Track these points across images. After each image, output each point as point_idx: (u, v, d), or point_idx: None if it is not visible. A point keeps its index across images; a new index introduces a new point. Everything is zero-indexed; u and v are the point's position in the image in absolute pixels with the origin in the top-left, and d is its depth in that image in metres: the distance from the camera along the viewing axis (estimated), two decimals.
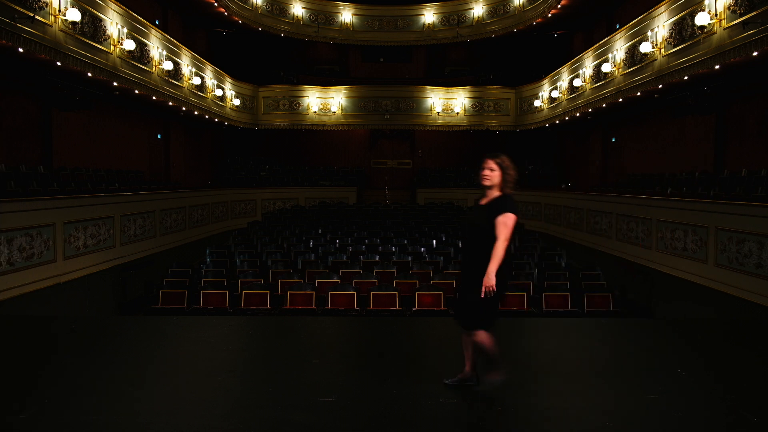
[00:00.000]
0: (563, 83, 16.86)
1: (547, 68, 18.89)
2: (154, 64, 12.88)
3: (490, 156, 3.71)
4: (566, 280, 9.36)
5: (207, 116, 16.58)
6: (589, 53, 15.08)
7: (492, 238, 3.56)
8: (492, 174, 3.66)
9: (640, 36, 12.06)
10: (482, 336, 3.63)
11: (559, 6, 16.77)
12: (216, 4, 17.00)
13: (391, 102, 20.68)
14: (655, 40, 11.29)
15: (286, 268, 10.24)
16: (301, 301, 7.87)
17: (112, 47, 10.94)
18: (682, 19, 10.42)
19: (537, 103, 19.01)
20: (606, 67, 13.56)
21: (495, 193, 3.70)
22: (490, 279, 3.48)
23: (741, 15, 8.64)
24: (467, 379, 3.78)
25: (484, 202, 3.73)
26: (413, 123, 21.00)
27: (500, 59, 22.52)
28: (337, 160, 22.84)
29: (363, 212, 16.92)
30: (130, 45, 11.43)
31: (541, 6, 17.77)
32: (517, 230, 16.37)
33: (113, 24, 11.00)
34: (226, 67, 18.76)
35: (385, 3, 21.26)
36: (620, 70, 13.07)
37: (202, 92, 16.06)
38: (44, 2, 8.83)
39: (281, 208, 18.63)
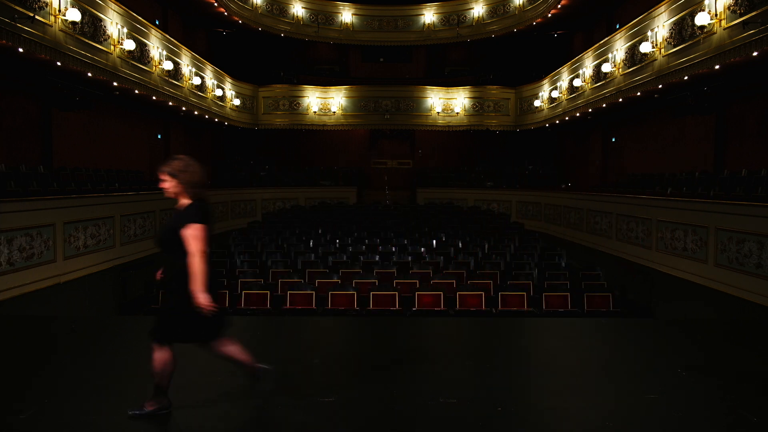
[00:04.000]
0: (563, 83, 16.86)
1: (547, 68, 18.89)
2: (154, 64, 12.87)
3: (162, 165, 3.36)
4: (566, 280, 9.34)
5: (207, 116, 16.57)
6: (589, 53, 15.08)
7: (184, 253, 3.28)
8: (168, 185, 3.32)
9: (640, 36, 12.06)
10: (228, 344, 3.48)
11: (559, 6, 16.77)
12: (216, 4, 16.99)
13: (391, 102, 20.68)
14: (655, 40, 11.29)
15: (286, 268, 10.23)
16: (301, 301, 7.86)
17: (112, 47, 10.94)
18: (682, 19, 10.42)
19: (537, 103, 19.00)
20: (606, 67, 13.56)
21: (184, 201, 3.37)
22: (203, 300, 3.24)
23: (741, 15, 8.64)
24: (258, 371, 3.57)
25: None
26: (413, 123, 21.00)
27: (500, 59, 22.51)
28: (337, 160, 22.83)
29: (363, 212, 16.90)
30: (130, 45, 11.43)
31: (541, 6, 17.76)
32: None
33: (113, 24, 11.00)
34: (226, 67, 18.76)
35: (385, 3, 21.25)
36: (620, 70, 13.07)
37: (202, 92, 16.05)
38: (44, 2, 8.82)
39: (281, 208, 18.62)
